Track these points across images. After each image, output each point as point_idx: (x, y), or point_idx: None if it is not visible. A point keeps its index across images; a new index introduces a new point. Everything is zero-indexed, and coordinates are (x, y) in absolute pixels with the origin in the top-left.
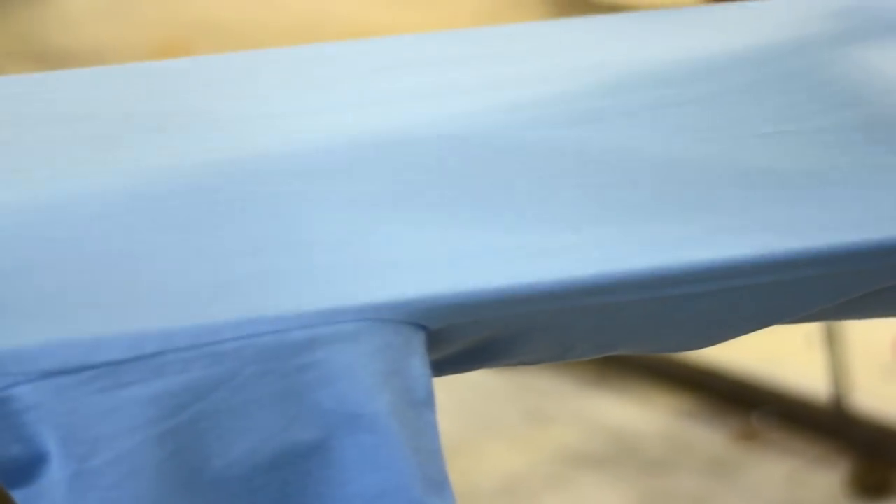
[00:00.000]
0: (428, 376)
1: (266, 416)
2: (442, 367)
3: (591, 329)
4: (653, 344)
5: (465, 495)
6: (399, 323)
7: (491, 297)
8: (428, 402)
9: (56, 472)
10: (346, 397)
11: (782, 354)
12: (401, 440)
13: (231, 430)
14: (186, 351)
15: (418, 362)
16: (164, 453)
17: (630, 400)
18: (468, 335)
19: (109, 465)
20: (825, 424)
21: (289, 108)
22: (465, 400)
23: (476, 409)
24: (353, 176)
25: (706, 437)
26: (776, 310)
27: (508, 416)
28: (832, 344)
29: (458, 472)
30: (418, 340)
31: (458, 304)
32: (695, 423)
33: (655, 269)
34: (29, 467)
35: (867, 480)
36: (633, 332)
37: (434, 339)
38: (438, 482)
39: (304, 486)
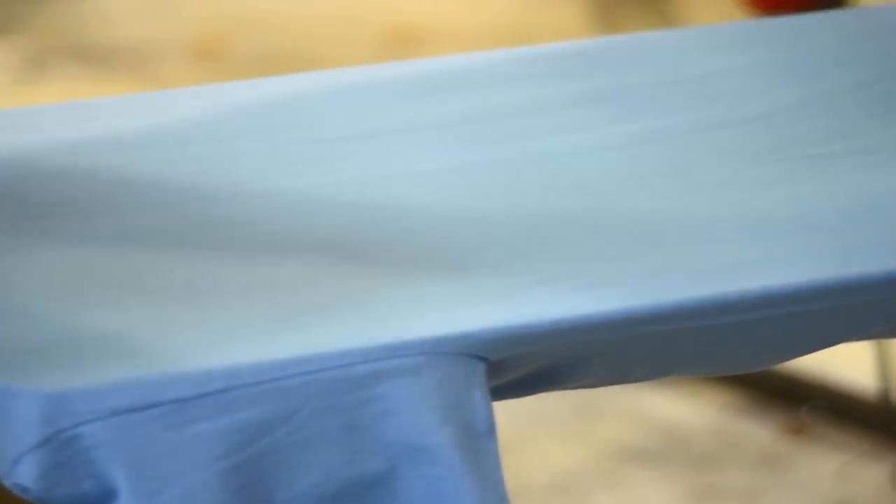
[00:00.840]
0: (489, 407)
1: (331, 449)
2: (501, 392)
3: (648, 355)
4: (710, 367)
5: (518, 493)
6: (460, 356)
7: (549, 328)
8: (489, 432)
9: None
10: (410, 430)
11: (831, 349)
12: (464, 471)
13: (297, 464)
14: (252, 387)
15: (479, 393)
16: (231, 489)
17: (679, 395)
18: (527, 364)
19: (178, 500)
20: (874, 418)
21: (341, 132)
22: None
23: (527, 406)
24: (409, 207)
25: (755, 431)
26: (833, 333)
27: (559, 412)
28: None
29: (511, 468)
30: (479, 372)
31: (517, 336)
32: (744, 417)
33: (711, 298)
34: (99, 503)
35: None
36: (690, 357)
37: (493, 368)
38: None
39: None
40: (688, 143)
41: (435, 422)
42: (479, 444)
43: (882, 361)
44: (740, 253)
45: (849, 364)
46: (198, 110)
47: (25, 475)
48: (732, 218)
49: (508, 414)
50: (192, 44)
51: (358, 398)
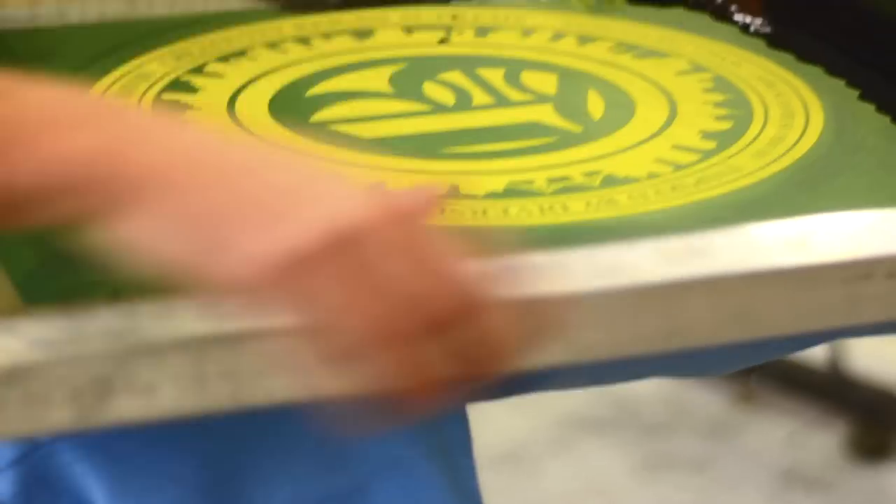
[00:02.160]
0: (465, 420)
1: (307, 463)
2: (476, 396)
3: None
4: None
5: None
6: None
7: None
8: (465, 446)
9: None
10: (387, 441)
11: None
12: (441, 482)
13: (273, 477)
14: None
15: (455, 408)
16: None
17: None
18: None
19: None
20: (823, 386)
21: None
22: None
23: None
24: None
25: (705, 400)
26: None
27: None
28: None
29: None
30: None
31: None
32: (693, 386)
33: None
34: None
35: (865, 442)
36: None
37: None
38: None
39: None
40: None
41: (411, 434)
42: (453, 456)
43: None
44: None
45: None
46: None
47: (2, 491)
48: None
49: None
50: None
51: None
